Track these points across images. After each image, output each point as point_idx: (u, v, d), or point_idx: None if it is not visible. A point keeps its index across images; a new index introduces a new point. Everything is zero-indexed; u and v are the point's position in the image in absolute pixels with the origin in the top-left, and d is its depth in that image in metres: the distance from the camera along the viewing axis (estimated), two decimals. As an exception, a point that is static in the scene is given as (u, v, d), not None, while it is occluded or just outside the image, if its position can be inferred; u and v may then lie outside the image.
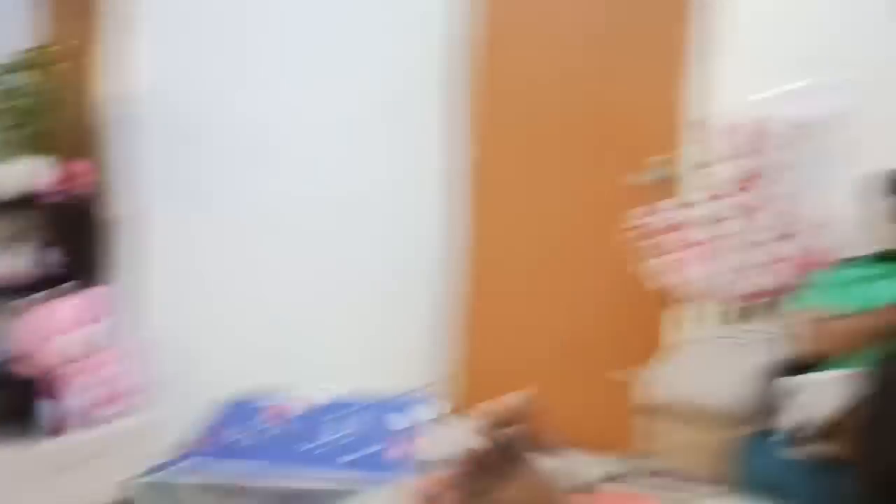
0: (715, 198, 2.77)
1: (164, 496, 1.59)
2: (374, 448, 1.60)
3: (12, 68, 2.64)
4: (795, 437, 2.13)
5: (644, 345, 3.15)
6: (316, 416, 1.71)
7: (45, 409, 2.60)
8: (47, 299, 2.70)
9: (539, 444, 0.75)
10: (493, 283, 3.87)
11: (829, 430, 2.03)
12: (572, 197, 3.53)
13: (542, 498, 0.72)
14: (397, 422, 1.67)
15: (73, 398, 2.69)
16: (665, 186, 3.16)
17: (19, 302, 2.72)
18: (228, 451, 1.61)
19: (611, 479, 1.68)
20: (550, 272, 3.64)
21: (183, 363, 3.18)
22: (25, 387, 2.59)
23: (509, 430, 0.75)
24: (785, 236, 2.58)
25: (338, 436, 1.64)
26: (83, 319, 2.74)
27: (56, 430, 2.64)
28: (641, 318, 3.26)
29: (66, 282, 2.75)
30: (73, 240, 2.87)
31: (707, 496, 2.09)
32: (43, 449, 2.59)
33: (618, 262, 3.18)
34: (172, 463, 1.59)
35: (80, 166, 2.79)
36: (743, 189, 2.70)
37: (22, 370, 2.65)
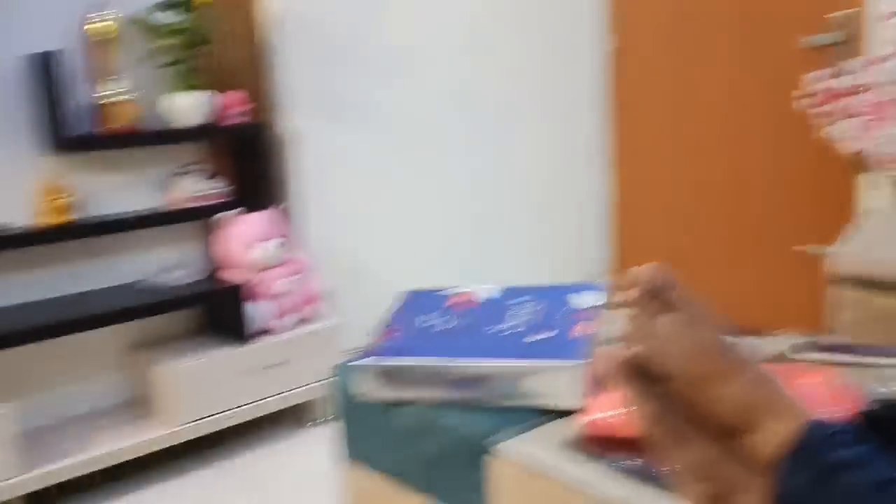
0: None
1: (360, 382, 1.73)
2: (554, 332, 1.65)
3: (167, 5, 2.79)
4: None
5: (831, 216, 3.02)
6: (497, 304, 1.79)
7: (248, 314, 2.84)
8: (232, 218, 2.93)
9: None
10: (653, 169, 3.80)
11: None
12: (739, 66, 3.36)
13: (705, 335, 0.65)
14: (574, 306, 1.72)
15: (267, 305, 2.94)
16: (843, 46, 2.94)
17: (209, 220, 2.98)
18: (414, 339, 1.72)
19: (793, 353, 1.66)
20: (719, 149, 3.52)
21: (351, 273, 3.39)
22: (230, 295, 2.84)
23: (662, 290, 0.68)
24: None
25: (520, 321, 1.71)
26: (264, 235, 2.95)
27: (258, 333, 2.90)
28: (826, 189, 3.12)
29: (240, 204, 2.96)
30: (241, 165, 3.07)
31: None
32: (250, 349, 2.86)
33: (796, 131, 3.03)
34: (364, 352, 1.73)
35: (237, 96, 2.95)
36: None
37: (224, 280, 2.93)
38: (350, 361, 1.81)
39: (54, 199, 2.62)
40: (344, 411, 1.99)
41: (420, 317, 1.79)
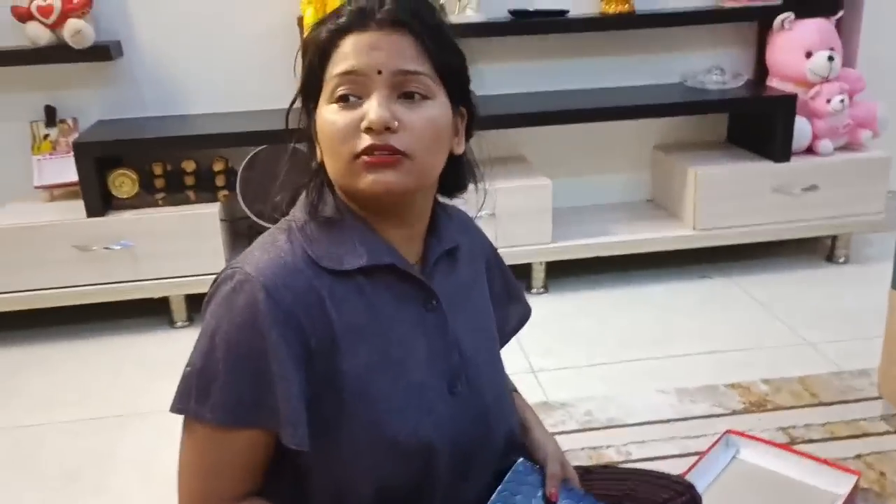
0: None
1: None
2: None
3: None
4: None
5: None
6: None
7: (791, 129, 2.62)
8: (786, 23, 2.66)
9: None
10: None
11: None
12: None
13: None
14: None
15: (811, 123, 2.67)
16: None
17: (762, 23, 2.75)
18: None
19: None
20: None
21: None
22: (775, 105, 2.63)
23: None
24: None
25: None
26: (818, 45, 2.63)
27: (797, 151, 2.67)
28: None
29: (793, 9, 2.65)
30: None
31: None
32: (786, 167, 2.66)
33: None
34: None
35: None
36: None
37: (770, 90, 2.72)
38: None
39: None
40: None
41: None
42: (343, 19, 0.86)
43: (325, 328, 0.85)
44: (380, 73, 0.83)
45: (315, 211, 0.90)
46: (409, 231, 0.93)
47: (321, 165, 0.91)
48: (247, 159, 2.46)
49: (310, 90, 0.89)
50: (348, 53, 0.84)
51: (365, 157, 0.83)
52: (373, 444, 0.87)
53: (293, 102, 0.92)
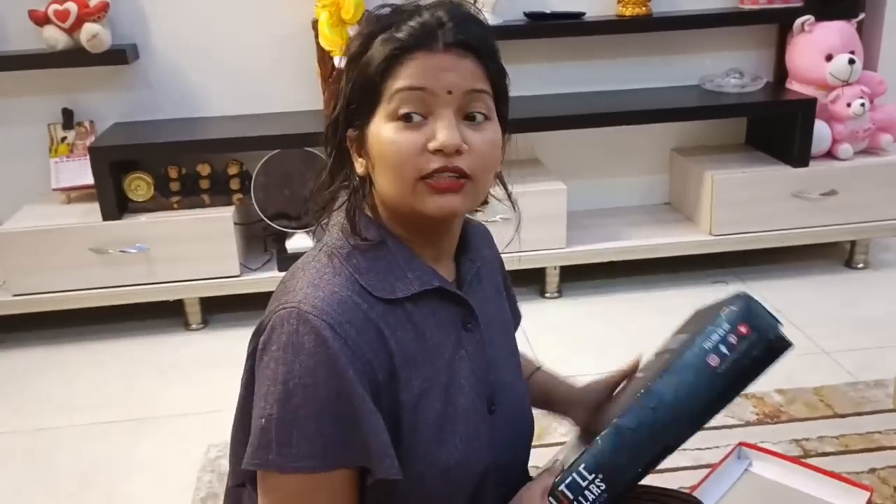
0: None
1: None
2: None
3: None
4: None
5: None
6: None
7: (810, 132, 2.59)
8: (806, 25, 2.62)
9: None
10: None
11: None
12: None
13: None
14: None
15: (831, 126, 2.64)
16: None
17: (781, 25, 2.72)
18: None
19: None
20: None
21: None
22: (795, 109, 2.60)
23: None
24: None
25: None
26: (838, 48, 2.59)
27: (816, 155, 2.64)
28: None
29: (814, 12, 2.62)
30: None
31: None
32: (804, 172, 2.63)
33: None
34: None
35: None
36: None
37: (791, 93, 2.69)
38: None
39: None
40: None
41: None
42: (403, 35, 0.84)
43: (387, 360, 0.84)
44: (450, 93, 0.83)
45: (357, 234, 0.88)
46: (440, 251, 0.93)
47: (362, 181, 0.89)
48: (261, 163, 2.47)
49: (361, 105, 0.86)
50: (416, 74, 0.83)
51: (430, 181, 0.82)
52: (426, 473, 0.87)
53: (336, 117, 0.89)
